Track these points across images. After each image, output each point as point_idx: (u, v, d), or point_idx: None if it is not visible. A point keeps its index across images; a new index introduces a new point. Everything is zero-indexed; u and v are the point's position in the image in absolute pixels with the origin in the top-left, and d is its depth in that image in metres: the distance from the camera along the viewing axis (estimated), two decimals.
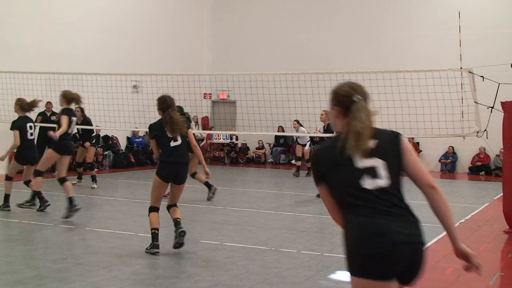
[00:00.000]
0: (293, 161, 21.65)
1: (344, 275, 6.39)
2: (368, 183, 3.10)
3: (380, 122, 12.34)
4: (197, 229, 8.82)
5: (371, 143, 3.12)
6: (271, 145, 22.58)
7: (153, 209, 7.24)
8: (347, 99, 3.21)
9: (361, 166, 3.12)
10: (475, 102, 10.36)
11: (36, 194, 9.91)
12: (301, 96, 15.84)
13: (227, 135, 21.57)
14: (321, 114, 12.61)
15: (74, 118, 9.93)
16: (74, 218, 9.58)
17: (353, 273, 3.07)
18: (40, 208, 9.83)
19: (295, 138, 18.09)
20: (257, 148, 22.56)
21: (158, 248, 7.12)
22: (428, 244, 8.20)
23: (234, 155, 22.27)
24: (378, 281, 3.02)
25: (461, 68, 10.76)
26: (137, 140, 19.79)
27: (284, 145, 22.28)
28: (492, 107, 9.70)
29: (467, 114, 11.35)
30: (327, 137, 12.63)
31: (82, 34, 18.19)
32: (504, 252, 8.15)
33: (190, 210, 10.13)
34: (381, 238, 3.03)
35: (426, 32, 20.43)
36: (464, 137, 12.05)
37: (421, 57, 19.80)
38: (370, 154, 3.12)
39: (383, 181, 3.12)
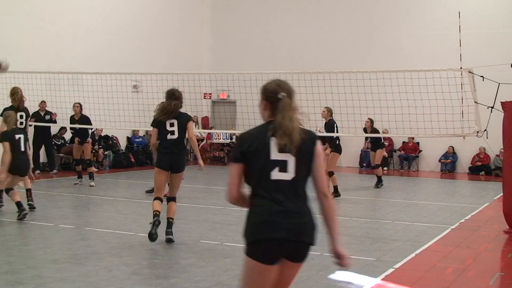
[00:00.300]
0: None
1: (344, 275, 6.40)
2: (276, 175, 3.50)
3: (380, 122, 12.30)
4: (197, 229, 8.82)
5: (290, 139, 3.47)
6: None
7: (157, 198, 7.75)
8: (273, 95, 3.60)
9: (274, 158, 3.51)
10: (475, 102, 10.36)
11: None
12: (301, 96, 15.72)
13: (227, 135, 21.57)
14: (322, 111, 12.79)
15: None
16: (74, 218, 9.60)
17: (248, 253, 3.64)
18: None
19: None
20: None
21: (158, 223, 7.55)
22: (428, 244, 8.21)
23: None
24: (265, 264, 3.50)
25: (461, 68, 10.75)
26: (137, 140, 19.78)
27: None
28: (492, 107, 9.69)
29: (467, 114, 11.35)
30: (326, 137, 12.63)
31: (82, 34, 18.19)
32: (504, 252, 8.15)
33: (190, 210, 10.13)
34: (275, 224, 3.47)
35: (426, 32, 20.42)
36: (464, 137, 12.06)
37: (421, 57, 19.80)
38: (285, 149, 3.49)
39: (289, 175, 3.51)
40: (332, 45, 21.83)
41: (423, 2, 21.05)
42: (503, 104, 9.29)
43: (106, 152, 18.27)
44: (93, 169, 13.88)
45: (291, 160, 3.51)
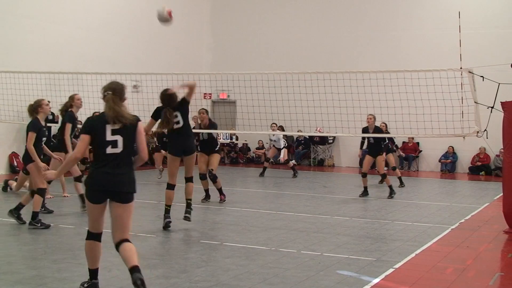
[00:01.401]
0: (293, 161, 21.67)
1: (344, 275, 6.40)
2: (109, 150, 5.31)
3: (381, 121, 12.26)
4: (197, 229, 8.83)
5: (117, 125, 5.33)
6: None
7: (169, 187, 8.78)
8: (102, 94, 5.44)
9: (108, 139, 5.32)
10: (475, 102, 10.34)
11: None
12: (301, 96, 15.83)
13: (227, 135, 21.56)
14: (369, 118, 12.62)
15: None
16: (74, 218, 9.59)
17: (88, 199, 5.38)
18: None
19: (271, 140, 17.84)
20: (257, 148, 22.56)
21: (168, 224, 8.56)
22: (428, 244, 8.21)
23: (234, 155, 22.27)
24: (97, 204, 5.35)
25: (461, 68, 10.73)
26: None
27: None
28: (492, 107, 9.68)
29: (467, 114, 11.34)
30: (327, 137, 12.62)
31: (82, 34, 18.20)
32: (504, 252, 8.14)
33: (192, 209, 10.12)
34: (105, 181, 5.29)
35: (426, 32, 20.43)
36: (464, 137, 12.02)
37: (421, 57, 19.82)
38: (115, 132, 5.34)
39: (118, 150, 5.32)
40: (332, 45, 21.84)
41: (423, 2, 21.05)
42: (503, 104, 9.29)
43: None
44: None
45: (119, 140, 5.32)
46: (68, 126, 9.94)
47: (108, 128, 5.30)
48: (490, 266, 7.20)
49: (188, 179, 8.94)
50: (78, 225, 8.94)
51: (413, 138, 20.28)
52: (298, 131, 18.53)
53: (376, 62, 19.29)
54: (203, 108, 12.16)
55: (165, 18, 8.84)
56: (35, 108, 8.77)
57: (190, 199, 9.03)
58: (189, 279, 6.14)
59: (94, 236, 5.49)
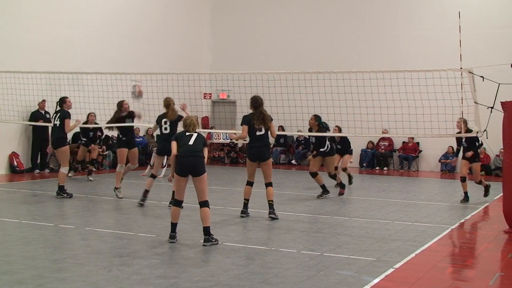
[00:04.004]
0: (293, 161, 21.69)
1: (344, 275, 6.40)
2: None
3: (380, 121, 12.26)
4: (197, 229, 8.82)
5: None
6: (271, 145, 22.55)
7: (248, 183, 10.09)
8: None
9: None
10: (475, 102, 10.34)
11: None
12: (301, 96, 15.82)
13: (227, 135, 21.55)
14: (311, 119, 12.53)
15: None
16: (74, 218, 9.59)
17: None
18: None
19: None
20: None
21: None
22: (428, 244, 8.22)
23: (234, 155, 22.27)
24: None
25: (461, 68, 10.72)
26: (137, 140, 19.73)
27: (284, 145, 22.29)
28: (492, 107, 9.68)
29: (467, 114, 11.33)
30: (327, 137, 12.61)
31: (82, 34, 18.19)
32: (504, 252, 8.14)
33: (190, 210, 10.13)
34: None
35: (426, 32, 20.43)
36: (464, 137, 12.03)
37: (421, 57, 19.82)
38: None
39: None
40: (332, 45, 21.84)
41: (423, 2, 21.05)
42: (503, 104, 9.29)
43: (106, 152, 18.27)
44: (93, 167, 15.78)
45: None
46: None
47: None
48: (490, 266, 7.20)
49: (268, 184, 9.91)
50: (78, 225, 8.94)
51: (413, 138, 20.27)
52: (298, 131, 18.51)
53: (376, 62, 19.28)
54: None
55: (137, 95, 9.73)
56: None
57: (272, 201, 9.88)
58: (189, 279, 6.14)
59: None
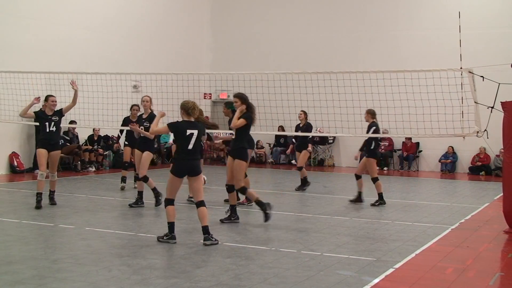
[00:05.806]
0: (293, 161, 21.68)
1: (344, 275, 6.40)
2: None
3: (381, 122, 12.25)
4: (197, 229, 8.81)
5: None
6: (271, 145, 22.58)
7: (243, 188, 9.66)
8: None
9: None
10: (475, 102, 10.34)
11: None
12: (301, 96, 15.82)
13: (227, 135, 21.52)
14: (300, 114, 13.67)
15: None
16: (74, 218, 9.59)
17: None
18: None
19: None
20: (257, 148, 22.54)
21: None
22: (428, 244, 8.22)
23: None
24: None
25: (461, 68, 10.72)
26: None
27: (284, 145, 22.27)
28: (492, 107, 9.68)
29: (467, 114, 11.32)
30: (327, 137, 12.61)
31: (82, 34, 18.20)
32: (504, 252, 8.14)
33: (190, 210, 10.13)
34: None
35: (426, 32, 20.43)
36: (464, 137, 12.02)
37: (421, 57, 19.81)
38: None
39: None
40: (332, 45, 21.84)
41: (423, 2, 21.06)
42: (503, 104, 9.29)
43: (106, 152, 18.27)
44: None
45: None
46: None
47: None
48: (490, 266, 7.20)
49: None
50: (78, 225, 8.94)
51: (410, 138, 20.27)
52: (298, 131, 18.49)
53: (376, 62, 19.28)
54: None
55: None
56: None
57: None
58: (189, 279, 6.14)
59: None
